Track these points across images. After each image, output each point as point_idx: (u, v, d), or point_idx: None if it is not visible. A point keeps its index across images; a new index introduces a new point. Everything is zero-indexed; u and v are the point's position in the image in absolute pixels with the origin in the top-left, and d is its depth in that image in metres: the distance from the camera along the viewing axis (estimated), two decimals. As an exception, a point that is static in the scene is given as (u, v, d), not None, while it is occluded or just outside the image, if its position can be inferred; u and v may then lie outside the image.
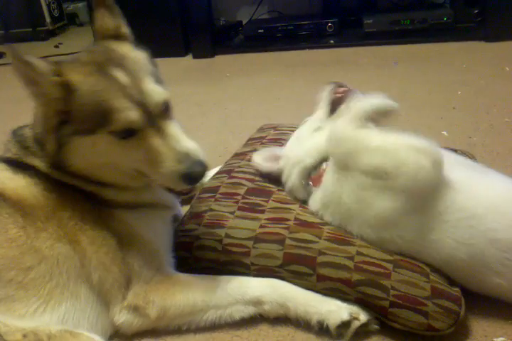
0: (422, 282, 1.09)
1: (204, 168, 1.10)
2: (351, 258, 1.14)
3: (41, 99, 1.08)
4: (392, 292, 1.08)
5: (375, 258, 1.13)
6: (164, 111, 1.11)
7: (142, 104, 1.06)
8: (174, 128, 1.11)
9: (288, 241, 1.21)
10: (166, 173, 1.08)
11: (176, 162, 1.07)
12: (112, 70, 1.07)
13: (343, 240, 1.18)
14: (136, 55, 1.14)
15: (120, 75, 1.06)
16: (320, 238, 1.19)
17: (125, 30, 1.19)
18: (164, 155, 1.07)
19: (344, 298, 1.13)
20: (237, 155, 1.63)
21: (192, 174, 1.08)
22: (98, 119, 1.05)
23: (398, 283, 1.09)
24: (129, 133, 1.07)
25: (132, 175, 1.16)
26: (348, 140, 1.17)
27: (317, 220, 1.25)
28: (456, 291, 1.09)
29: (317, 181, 1.28)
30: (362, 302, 1.11)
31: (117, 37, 1.17)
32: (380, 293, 1.08)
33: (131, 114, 1.05)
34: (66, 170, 1.14)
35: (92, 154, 1.10)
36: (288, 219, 1.26)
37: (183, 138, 1.11)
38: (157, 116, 1.09)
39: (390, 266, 1.11)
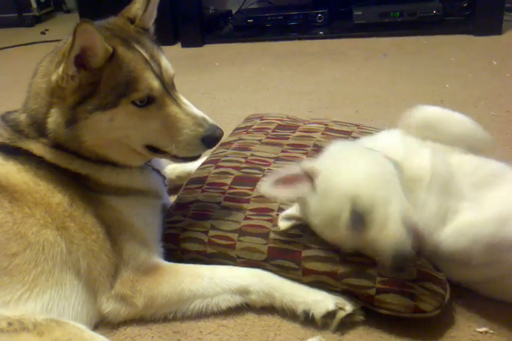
0: None
1: (221, 131, 1.19)
2: (337, 251, 1.14)
3: (76, 78, 1.08)
4: (378, 278, 1.08)
5: None
6: (173, 85, 1.22)
7: (159, 76, 1.15)
8: (185, 99, 1.21)
9: (272, 235, 1.21)
10: (186, 139, 1.15)
11: (195, 126, 1.15)
12: (134, 45, 1.15)
13: None
14: (145, 37, 1.21)
15: (141, 50, 1.15)
16: (304, 231, 1.18)
17: (142, 22, 1.23)
18: (183, 121, 1.15)
19: (330, 289, 1.13)
20: (223, 144, 1.63)
21: (212, 136, 1.17)
22: (123, 89, 1.09)
23: None
24: (148, 101, 1.13)
25: (139, 151, 1.20)
26: None
27: None
28: (441, 276, 1.10)
29: None
30: (348, 292, 1.12)
31: (130, 21, 1.22)
32: (367, 282, 1.09)
33: (154, 82, 1.12)
34: (66, 149, 1.16)
35: (108, 129, 1.13)
36: (272, 210, 1.26)
37: (194, 107, 1.20)
38: (170, 88, 1.18)
39: None
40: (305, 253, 1.16)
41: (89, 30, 1.03)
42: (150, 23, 1.27)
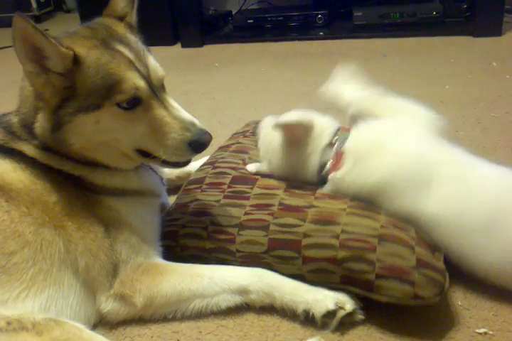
0: (407, 254, 1.09)
1: (209, 136, 1.15)
2: (336, 236, 1.14)
3: (42, 76, 1.06)
4: (377, 264, 1.08)
5: (360, 234, 1.14)
6: (163, 87, 1.17)
7: (146, 77, 1.10)
8: (175, 102, 1.16)
9: (272, 227, 1.21)
10: (172, 144, 1.11)
11: (182, 130, 1.12)
12: (116, 45, 1.10)
13: (327, 221, 1.18)
14: (134, 37, 1.17)
15: (124, 50, 1.10)
16: (304, 221, 1.19)
17: (130, 19, 1.21)
18: (170, 125, 1.11)
19: (330, 277, 1.13)
20: (221, 148, 1.64)
21: (199, 141, 1.13)
22: (104, 92, 1.06)
23: (384, 256, 1.09)
24: (134, 103, 1.09)
25: (129, 155, 1.17)
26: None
27: (302, 203, 1.25)
28: (440, 264, 1.10)
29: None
30: (348, 279, 1.12)
31: (120, 20, 1.19)
32: (366, 266, 1.09)
33: (139, 82, 1.08)
34: (56, 152, 1.14)
35: (94, 131, 1.10)
36: (272, 205, 1.26)
37: (183, 110, 1.16)
38: (158, 90, 1.13)
39: (375, 240, 1.12)
40: (305, 241, 1.16)
41: (24, 27, 1.00)
42: (135, 21, 1.24)
